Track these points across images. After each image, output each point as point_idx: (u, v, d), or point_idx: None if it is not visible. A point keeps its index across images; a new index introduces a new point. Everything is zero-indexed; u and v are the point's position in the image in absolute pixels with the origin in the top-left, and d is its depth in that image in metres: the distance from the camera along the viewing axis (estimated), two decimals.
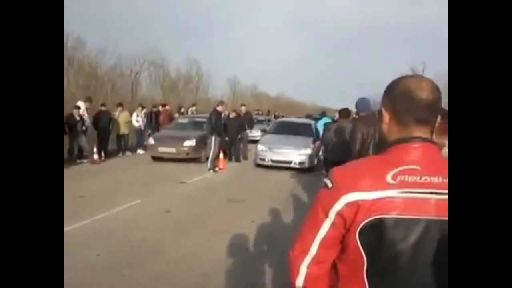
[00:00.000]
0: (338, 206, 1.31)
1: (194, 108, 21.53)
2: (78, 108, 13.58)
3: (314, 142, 13.52)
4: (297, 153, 13.03)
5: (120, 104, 16.76)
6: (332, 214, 1.32)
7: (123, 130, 15.97)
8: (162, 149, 13.93)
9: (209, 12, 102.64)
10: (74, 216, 6.65)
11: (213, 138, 12.69)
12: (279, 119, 18.99)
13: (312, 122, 16.75)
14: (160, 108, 19.35)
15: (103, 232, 6.15)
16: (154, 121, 17.89)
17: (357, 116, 7.37)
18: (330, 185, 1.35)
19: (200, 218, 7.24)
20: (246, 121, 16.10)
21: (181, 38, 78.28)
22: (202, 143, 13.86)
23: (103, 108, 14.99)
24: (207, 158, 12.81)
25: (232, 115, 15.37)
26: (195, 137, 14.03)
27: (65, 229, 6.00)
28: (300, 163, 12.99)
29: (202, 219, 7.19)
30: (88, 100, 14.85)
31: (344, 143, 6.77)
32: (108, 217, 7.01)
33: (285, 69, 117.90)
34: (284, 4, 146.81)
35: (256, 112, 30.47)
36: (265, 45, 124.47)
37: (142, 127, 16.91)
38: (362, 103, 6.17)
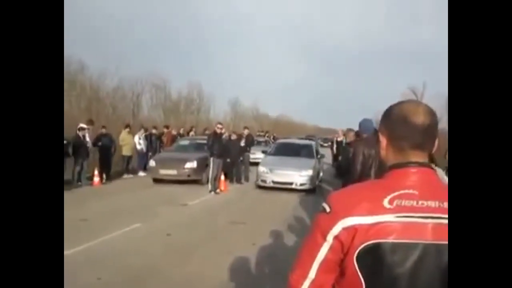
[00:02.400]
0: (336, 230, 1.32)
1: (192, 132, 21.42)
2: (84, 129, 13.68)
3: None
4: (298, 175, 12.99)
5: (128, 126, 16.99)
6: (330, 238, 1.33)
7: (127, 152, 16.10)
8: (163, 171, 13.89)
9: (210, 35, 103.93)
10: (75, 239, 6.63)
11: (211, 159, 12.72)
12: (280, 141, 18.85)
13: (313, 143, 16.88)
14: (165, 130, 19.47)
15: (104, 255, 6.12)
16: (155, 143, 17.96)
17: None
18: (328, 209, 1.36)
19: (201, 240, 7.20)
20: (247, 143, 16.15)
21: (182, 61, 79.04)
22: (203, 164, 13.83)
23: (104, 131, 15.06)
24: (208, 180, 12.81)
25: (233, 136, 15.46)
26: (196, 158, 14.01)
27: (66, 252, 5.98)
28: (301, 184, 12.95)
29: (203, 241, 7.15)
30: (89, 123, 14.94)
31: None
32: (109, 240, 6.98)
33: (286, 91, 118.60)
34: (284, 27, 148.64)
35: (258, 133, 30.46)
36: (266, 67, 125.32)
37: (144, 149, 16.95)
38: (365, 124, 6.18)
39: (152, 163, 14.38)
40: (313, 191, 12.99)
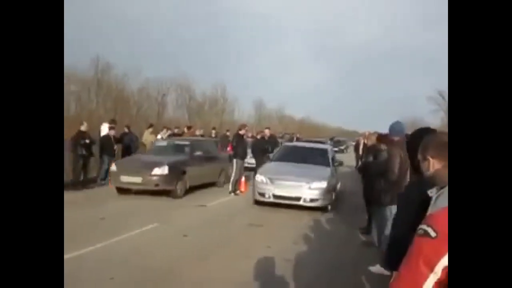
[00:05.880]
0: (447, 260, 1.14)
1: (214, 131, 21.32)
2: (113, 128, 13.78)
3: None
4: (307, 187, 10.03)
5: (151, 125, 17.20)
6: (438, 269, 1.16)
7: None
8: (125, 178, 10.94)
9: (236, 37, 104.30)
10: (92, 237, 6.67)
11: (234, 161, 12.65)
12: (287, 143, 15.58)
13: (329, 147, 14.16)
14: (185, 130, 19.54)
15: (119, 255, 6.11)
16: None
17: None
18: (433, 234, 1.17)
19: (217, 242, 7.13)
20: (271, 144, 16.07)
21: (208, 62, 79.67)
22: (178, 171, 11.35)
23: (127, 129, 15.22)
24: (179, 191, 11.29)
25: (258, 136, 15.45)
26: (169, 163, 11.19)
27: (82, 251, 6.05)
28: (311, 200, 10.00)
29: (220, 243, 7.08)
30: (112, 122, 15.12)
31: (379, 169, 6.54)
32: (125, 239, 6.98)
33: (311, 93, 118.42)
34: (310, 29, 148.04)
35: (281, 134, 30.20)
36: (292, 69, 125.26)
37: None
38: (396, 127, 6.07)
39: (113, 167, 11.43)
40: (326, 209, 10.29)
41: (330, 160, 11.74)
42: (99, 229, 7.45)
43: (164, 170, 10.93)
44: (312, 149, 13.17)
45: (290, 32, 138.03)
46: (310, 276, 5.70)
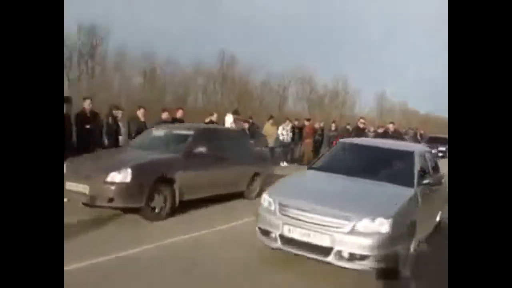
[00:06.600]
0: None
1: (334, 124, 20.88)
2: (247, 121, 14.34)
3: None
4: (348, 229, 4.60)
5: (271, 117, 17.52)
6: None
7: (271, 143, 16.53)
8: (69, 185, 6.60)
9: (358, 30, 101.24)
10: (185, 228, 6.68)
11: None
12: (346, 140, 7.91)
13: (420, 149, 6.88)
14: (305, 122, 19.62)
15: (208, 246, 6.05)
16: (297, 135, 18.19)
17: None
18: None
19: None
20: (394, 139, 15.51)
21: (329, 55, 78.87)
22: (153, 178, 6.80)
23: (250, 121, 15.69)
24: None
25: (380, 130, 15.05)
26: (136, 165, 6.72)
27: (174, 238, 6.14)
28: (353, 257, 4.57)
29: None
30: (235, 113, 15.67)
31: None
32: (217, 232, 6.85)
33: (438, 87, 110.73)
34: (434, 17, 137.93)
35: (405, 130, 28.80)
36: (418, 60, 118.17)
37: (286, 141, 17.28)
38: None
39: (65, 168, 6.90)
40: (397, 276, 4.93)
41: (416, 175, 5.77)
42: (192, 221, 7.35)
43: (126, 176, 6.50)
44: (385, 151, 6.69)
45: (418, 20, 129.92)
46: None
